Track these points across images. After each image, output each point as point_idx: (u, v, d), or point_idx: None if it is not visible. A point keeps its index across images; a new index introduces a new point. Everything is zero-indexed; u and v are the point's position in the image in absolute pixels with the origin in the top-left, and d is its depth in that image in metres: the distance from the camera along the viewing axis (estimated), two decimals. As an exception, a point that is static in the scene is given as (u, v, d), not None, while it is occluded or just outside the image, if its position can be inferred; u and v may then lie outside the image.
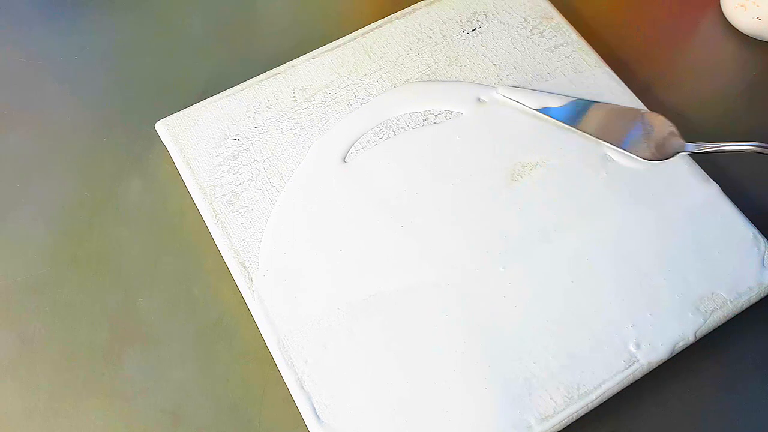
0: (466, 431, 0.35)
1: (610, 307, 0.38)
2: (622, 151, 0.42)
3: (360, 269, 0.39)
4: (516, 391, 0.36)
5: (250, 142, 0.43)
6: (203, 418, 0.38)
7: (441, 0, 0.49)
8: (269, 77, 0.46)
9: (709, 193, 0.41)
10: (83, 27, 0.52)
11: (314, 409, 0.35)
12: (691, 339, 0.37)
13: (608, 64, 0.46)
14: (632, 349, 0.37)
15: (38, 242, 0.43)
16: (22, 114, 0.48)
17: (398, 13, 0.48)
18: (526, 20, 0.48)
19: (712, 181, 0.41)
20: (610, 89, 0.45)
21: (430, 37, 0.47)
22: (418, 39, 0.47)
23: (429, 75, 0.46)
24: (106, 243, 0.43)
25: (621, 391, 0.36)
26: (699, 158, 0.42)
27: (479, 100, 0.44)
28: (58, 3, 0.53)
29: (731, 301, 0.38)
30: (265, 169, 0.42)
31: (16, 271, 0.42)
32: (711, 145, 0.41)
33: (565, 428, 0.36)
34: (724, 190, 0.41)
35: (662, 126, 0.43)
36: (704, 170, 0.42)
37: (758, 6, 0.48)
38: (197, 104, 0.45)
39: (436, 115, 0.44)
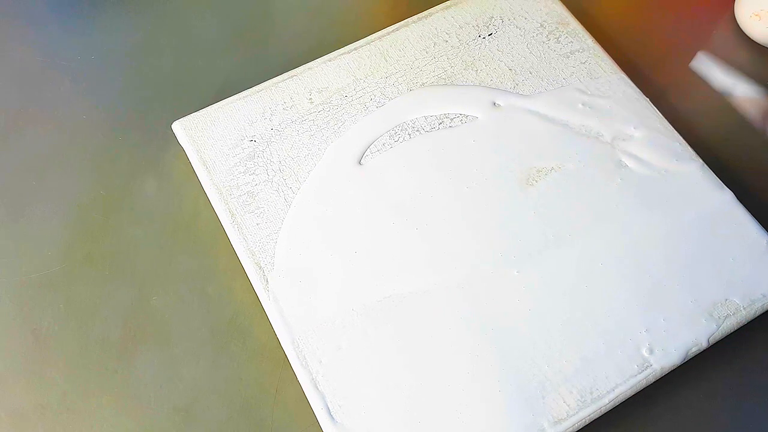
0: (480, 433, 0.35)
1: (624, 312, 0.38)
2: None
3: (374, 271, 0.39)
4: (529, 393, 0.36)
5: (266, 143, 0.44)
6: (216, 417, 0.38)
7: (457, 5, 0.49)
8: (285, 79, 0.46)
9: (724, 199, 0.41)
10: (100, 27, 0.52)
11: (328, 408, 0.36)
12: (704, 345, 0.37)
13: (623, 71, 0.46)
14: (645, 353, 0.37)
15: (53, 240, 0.43)
16: (39, 112, 0.48)
17: (415, 17, 0.49)
18: (542, 25, 0.48)
19: (726, 188, 0.41)
20: (626, 95, 0.45)
21: (447, 41, 0.47)
22: (435, 43, 0.47)
23: (445, 79, 0.46)
24: (121, 241, 0.43)
25: (634, 395, 0.36)
26: (713, 165, 0.42)
27: (495, 104, 0.45)
28: (75, 3, 0.54)
29: (745, 308, 0.38)
30: (281, 170, 0.43)
31: (30, 267, 0.42)
32: None
33: (577, 432, 0.36)
34: (738, 197, 0.41)
35: None
36: (719, 177, 0.42)
37: (773, 16, 0.48)
38: (214, 105, 0.45)
39: (451, 119, 0.44)
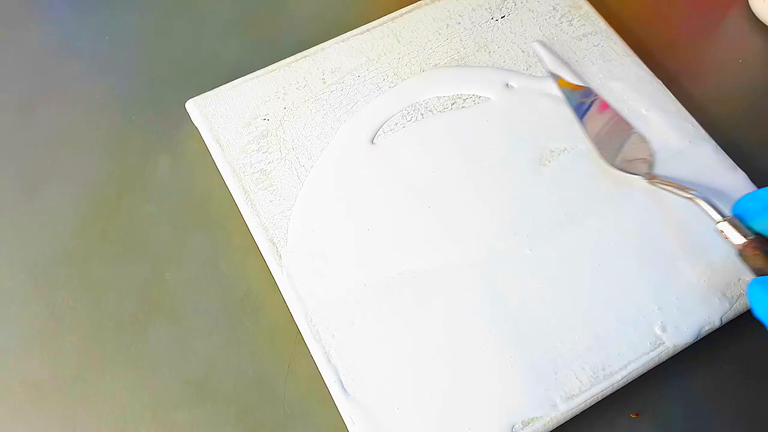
0: (492, 408, 0.35)
1: (637, 290, 0.38)
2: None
3: (387, 248, 0.40)
4: (542, 369, 0.36)
5: (279, 122, 0.44)
6: (228, 390, 0.38)
7: (470, -13, 0.49)
8: (299, 59, 0.46)
9: (737, 180, 0.41)
10: (114, 7, 0.53)
11: (341, 382, 0.36)
12: (717, 323, 0.37)
13: (635, 54, 0.46)
14: (658, 331, 0.37)
15: (67, 216, 0.44)
16: (54, 92, 0.49)
17: (427, -1, 0.49)
18: (554, 8, 0.48)
19: (739, 168, 0.41)
20: (639, 78, 0.45)
21: (459, 23, 0.48)
22: (447, 24, 0.47)
23: (457, 60, 0.46)
24: (135, 218, 0.44)
25: (646, 373, 0.37)
26: (726, 147, 0.42)
27: (507, 85, 0.45)
28: (89, -16, 0.54)
29: (758, 287, 0.38)
30: (294, 148, 0.43)
31: (45, 244, 0.43)
32: (662, 184, 0.40)
33: (589, 408, 0.36)
34: (751, 178, 0.41)
35: (640, 148, 0.43)
36: (731, 159, 0.42)
37: (786, 0, 0.48)
38: (227, 84, 0.45)
39: (464, 100, 0.44)
